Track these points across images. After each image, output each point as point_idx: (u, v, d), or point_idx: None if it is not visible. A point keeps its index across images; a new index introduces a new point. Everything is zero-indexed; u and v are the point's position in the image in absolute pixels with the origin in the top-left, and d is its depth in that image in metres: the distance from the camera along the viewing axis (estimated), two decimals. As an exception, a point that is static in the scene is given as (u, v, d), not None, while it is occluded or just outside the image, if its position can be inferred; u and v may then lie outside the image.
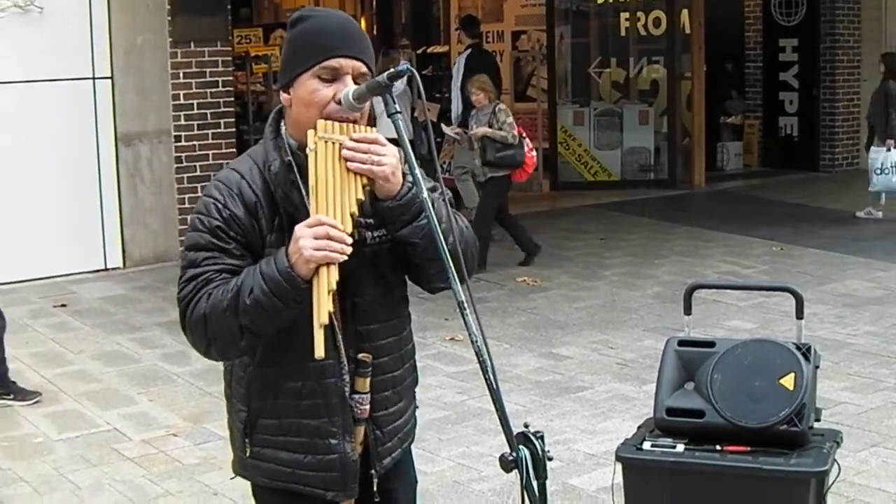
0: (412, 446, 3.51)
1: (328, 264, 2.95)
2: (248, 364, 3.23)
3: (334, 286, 2.96)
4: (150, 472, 6.65)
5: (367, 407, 3.23)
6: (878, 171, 14.67)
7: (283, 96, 3.20)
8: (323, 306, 2.94)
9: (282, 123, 3.23)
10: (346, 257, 2.96)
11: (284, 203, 3.12)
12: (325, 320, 2.93)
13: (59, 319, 9.98)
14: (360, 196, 3.03)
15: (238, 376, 3.29)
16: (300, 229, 2.97)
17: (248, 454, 3.29)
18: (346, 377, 3.20)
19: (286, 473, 3.25)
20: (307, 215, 3.02)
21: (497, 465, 2.89)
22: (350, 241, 2.97)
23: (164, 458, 6.86)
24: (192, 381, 8.18)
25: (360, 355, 3.19)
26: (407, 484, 3.51)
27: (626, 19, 18.36)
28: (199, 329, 3.10)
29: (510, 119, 11.84)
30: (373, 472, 3.29)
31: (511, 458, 2.82)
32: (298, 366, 3.13)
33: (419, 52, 19.94)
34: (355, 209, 3.01)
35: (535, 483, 2.84)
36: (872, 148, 15.14)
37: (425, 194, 2.95)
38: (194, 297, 3.10)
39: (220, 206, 3.12)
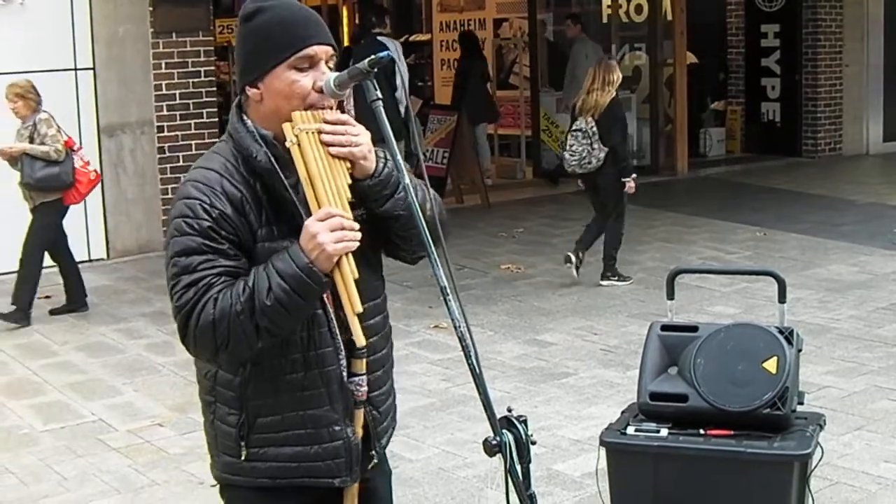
0: (391, 439, 3.51)
1: (347, 254, 2.98)
2: (241, 365, 3.15)
3: (357, 273, 2.98)
4: (135, 461, 6.66)
5: (366, 389, 3.22)
6: None
7: (252, 91, 3.13)
8: (353, 295, 2.97)
9: (244, 117, 3.16)
10: (358, 244, 2.98)
11: (268, 195, 3.09)
12: (360, 308, 2.97)
13: (44, 311, 9.96)
14: (349, 181, 3.05)
15: (225, 380, 3.19)
16: (314, 225, 2.94)
17: (243, 457, 3.21)
18: (343, 362, 3.18)
19: (291, 469, 3.20)
20: (294, 206, 3.04)
21: (482, 451, 2.89)
22: (358, 226, 2.99)
23: (149, 447, 6.87)
24: (177, 371, 8.18)
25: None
26: (382, 473, 3.49)
27: (608, 6, 18.36)
28: (206, 336, 3.00)
29: (53, 131, 9.79)
30: (373, 452, 3.30)
31: (495, 442, 2.84)
32: (298, 357, 3.12)
33: (402, 40, 19.91)
34: (349, 194, 3.03)
35: (518, 467, 2.86)
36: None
37: (407, 180, 2.99)
38: (197, 304, 3.00)
39: (206, 206, 3.03)
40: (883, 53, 19.39)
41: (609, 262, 10.64)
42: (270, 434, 3.19)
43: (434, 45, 20.03)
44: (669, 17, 17.43)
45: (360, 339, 3.00)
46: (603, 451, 4.66)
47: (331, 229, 2.93)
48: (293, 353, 3.13)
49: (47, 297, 10.34)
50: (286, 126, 3.03)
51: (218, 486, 3.36)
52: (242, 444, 3.20)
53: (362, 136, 3.06)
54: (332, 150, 3.02)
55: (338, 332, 3.17)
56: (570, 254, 10.64)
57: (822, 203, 14.72)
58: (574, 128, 10.42)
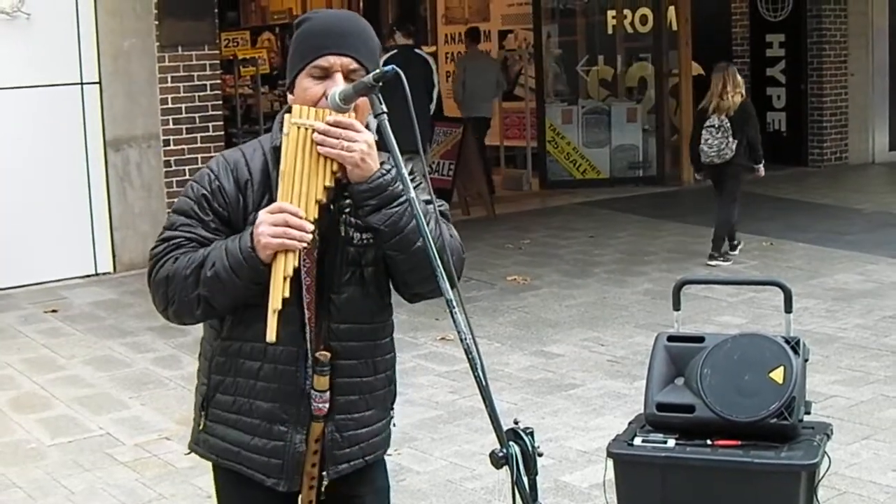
0: (399, 452, 3.51)
1: (286, 251, 3.02)
2: (214, 339, 3.29)
3: (290, 272, 3.03)
4: (143, 475, 6.66)
5: (325, 406, 3.24)
6: None
7: (290, 97, 3.28)
8: (277, 292, 3.01)
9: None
10: (305, 245, 3.03)
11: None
12: (278, 306, 3.00)
13: (51, 325, 9.97)
14: (329, 183, 3.08)
15: (205, 350, 3.36)
16: (262, 214, 3.05)
17: (201, 427, 3.34)
18: (309, 370, 3.22)
19: (232, 452, 3.28)
20: None
21: (489, 463, 2.89)
22: (311, 228, 3.03)
23: (157, 461, 6.87)
24: (184, 385, 8.18)
25: (318, 353, 3.20)
26: (374, 490, 3.47)
27: (613, 17, 18.37)
28: (160, 289, 3.22)
29: None
30: (324, 473, 3.29)
31: (501, 454, 2.84)
32: (259, 346, 3.17)
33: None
34: (322, 196, 3.07)
35: (525, 479, 2.86)
36: None
37: (412, 194, 2.98)
38: (163, 258, 3.22)
39: (212, 176, 3.23)
40: (888, 62, 19.40)
41: (718, 244, 11.92)
42: (223, 412, 3.30)
43: (439, 56, 20.03)
44: (674, 28, 17.46)
45: (270, 335, 3.00)
46: (610, 463, 4.66)
47: (272, 223, 3.01)
48: (255, 340, 3.17)
49: (53, 311, 10.36)
50: (286, 116, 3.14)
51: (188, 453, 3.48)
52: (203, 414, 3.34)
53: (360, 143, 3.07)
54: (320, 150, 3.07)
55: (309, 338, 3.20)
56: (728, 251, 12.08)
57: (828, 212, 14.72)
58: (708, 124, 11.89)
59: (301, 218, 3.01)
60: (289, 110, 3.27)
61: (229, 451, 3.29)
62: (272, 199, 3.15)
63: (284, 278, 3.01)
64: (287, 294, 3.02)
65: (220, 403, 3.29)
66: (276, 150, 3.18)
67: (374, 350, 3.34)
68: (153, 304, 3.30)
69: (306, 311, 3.18)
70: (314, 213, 3.05)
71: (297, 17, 3.39)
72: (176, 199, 3.31)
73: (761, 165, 12.25)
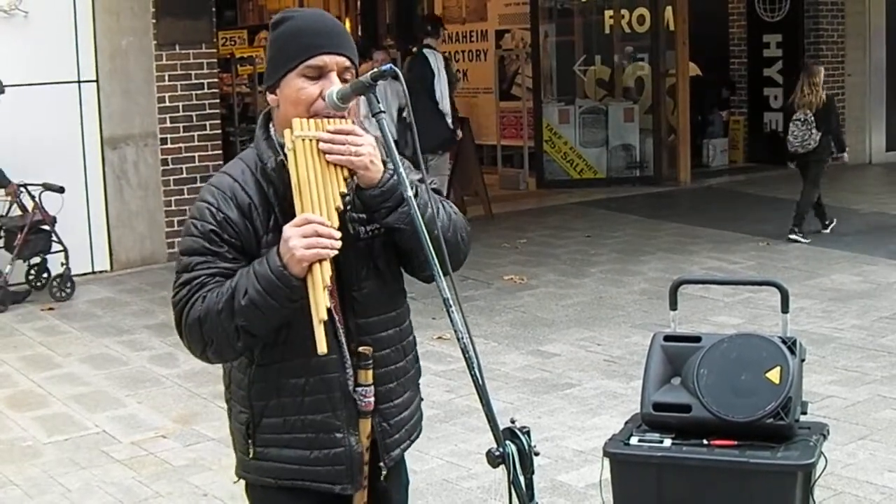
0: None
1: (320, 261, 2.98)
2: (248, 365, 3.25)
3: (328, 281, 2.99)
4: (139, 474, 6.65)
5: (372, 399, 3.27)
6: None
7: (270, 97, 3.24)
8: (320, 303, 2.97)
9: (270, 124, 3.26)
10: (336, 252, 3.00)
11: (280, 201, 3.15)
12: (324, 316, 2.96)
13: (47, 323, 9.98)
14: (343, 189, 3.07)
15: (237, 379, 3.31)
16: (288, 230, 3.00)
17: (251, 455, 3.30)
18: (349, 371, 3.24)
19: (293, 471, 3.27)
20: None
21: (485, 462, 2.90)
22: (338, 235, 3.00)
23: (153, 459, 6.86)
24: (181, 383, 8.18)
25: (361, 348, 3.23)
26: (399, 484, 3.53)
27: (611, 17, 18.37)
28: (195, 332, 3.12)
29: None
30: (381, 464, 3.34)
31: (498, 453, 2.84)
32: (300, 362, 3.17)
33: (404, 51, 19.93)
34: (339, 203, 3.05)
35: (522, 478, 2.86)
36: None
37: (409, 192, 2.99)
38: (189, 301, 3.12)
39: (213, 209, 3.15)
40: (885, 62, 19.41)
41: (799, 220, 13.02)
42: (274, 435, 3.27)
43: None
44: (671, 28, 17.45)
45: (321, 346, 2.95)
46: (607, 462, 4.65)
47: (303, 235, 2.98)
48: (296, 357, 3.17)
49: (50, 308, 10.36)
50: (286, 132, 3.10)
51: (237, 481, 3.45)
52: (249, 442, 3.30)
53: (365, 146, 3.07)
54: (329, 157, 3.05)
55: (345, 340, 3.22)
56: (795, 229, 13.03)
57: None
58: (794, 118, 13.22)
59: (328, 226, 2.99)
60: (268, 115, 3.27)
61: (289, 470, 3.27)
62: (277, 219, 3.14)
63: (324, 288, 2.99)
64: (329, 303, 2.99)
65: (269, 427, 3.26)
66: (274, 171, 3.16)
67: (400, 335, 3.39)
68: (189, 350, 3.21)
69: (335, 315, 3.19)
70: (336, 220, 3.03)
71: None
72: (178, 241, 3.24)
73: (845, 154, 13.79)
